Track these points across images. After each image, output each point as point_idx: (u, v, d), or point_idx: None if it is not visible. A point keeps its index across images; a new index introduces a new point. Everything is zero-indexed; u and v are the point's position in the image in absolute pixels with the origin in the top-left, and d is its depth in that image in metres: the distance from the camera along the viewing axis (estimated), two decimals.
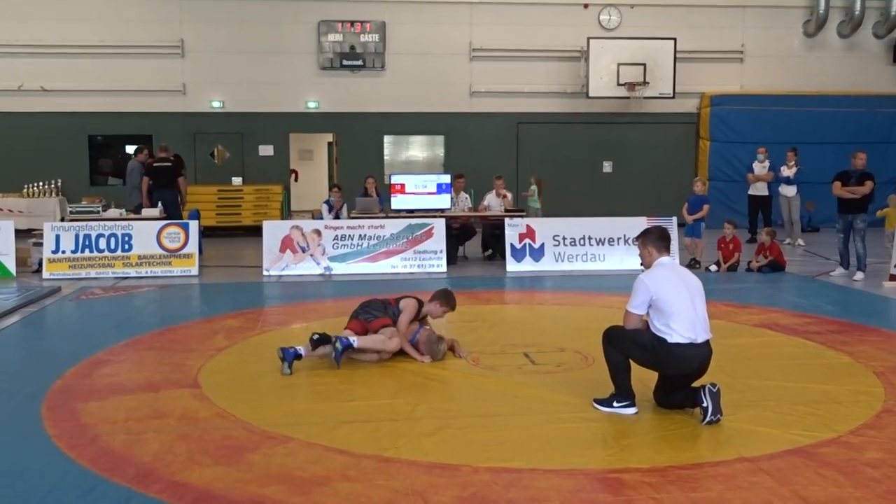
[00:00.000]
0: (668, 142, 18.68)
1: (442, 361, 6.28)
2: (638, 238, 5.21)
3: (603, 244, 11.86)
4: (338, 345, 6.08)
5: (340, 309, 8.31)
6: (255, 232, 12.85)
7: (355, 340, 6.14)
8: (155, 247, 11.25)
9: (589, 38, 17.69)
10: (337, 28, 17.65)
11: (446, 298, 6.52)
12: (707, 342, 4.91)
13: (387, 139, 18.49)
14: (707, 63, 18.51)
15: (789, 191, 14.65)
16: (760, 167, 15.04)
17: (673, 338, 4.81)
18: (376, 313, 6.43)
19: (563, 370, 6.09)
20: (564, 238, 11.85)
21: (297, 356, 6.04)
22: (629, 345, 4.97)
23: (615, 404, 5.02)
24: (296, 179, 20.08)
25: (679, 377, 4.97)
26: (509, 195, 13.21)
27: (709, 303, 5.14)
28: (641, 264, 5.21)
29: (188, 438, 4.60)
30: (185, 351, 6.71)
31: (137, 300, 9.43)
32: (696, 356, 4.87)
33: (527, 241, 11.78)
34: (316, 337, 6.10)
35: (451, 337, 6.63)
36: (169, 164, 13.21)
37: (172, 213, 12.79)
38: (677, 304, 4.81)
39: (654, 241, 5.07)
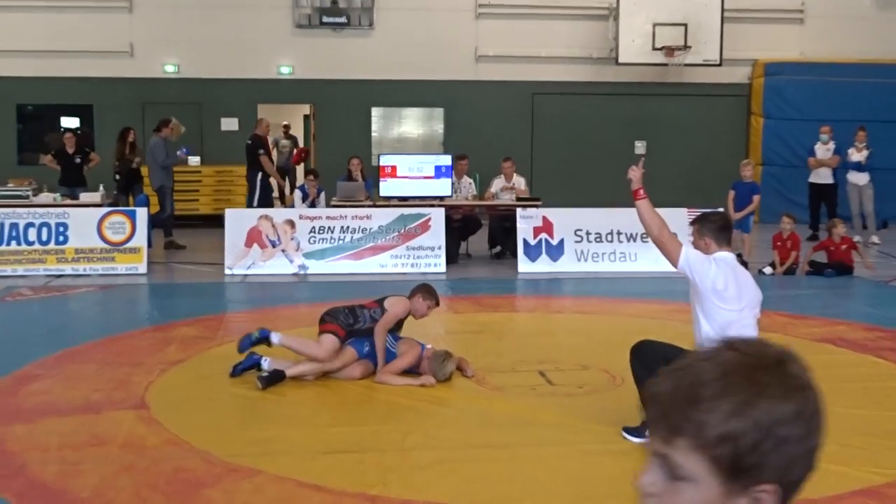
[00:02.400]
0: (714, 118, 18.68)
1: (442, 381, 6.27)
2: (693, 223, 5.14)
3: (634, 241, 11.84)
4: (255, 334, 6.33)
5: (317, 316, 8.29)
6: (216, 222, 12.84)
7: (277, 337, 6.32)
8: (95, 239, 11.25)
9: None
10: None
11: (427, 292, 6.57)
12: None
13: (375, 112, 18.49)
14: (761, 24, 18.51)
15: (860, 178, 14.64)
16: (824, 150, 15.04)
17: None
18: (331, 319, 6.44)
19: (585, 392, 6.11)
20: (588, 233, 11.87)
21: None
22: (662, 362, 4.94)
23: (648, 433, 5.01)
24: (305, 157, 19.88)
25: None
26: (522, 181, 13.20)
27: (762, 312, 5.13)
28: None
29: (134, 470, 4.61)
30: (131, 365, 6.71)
31: (74, 303, 9.47)
32: None
33: (543, 236, 11.80)
34: (265, 375, 6.13)
35: (456, 354, 6.61)
36: (249, 142, 14.16)
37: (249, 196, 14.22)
38: (725, 305, 4.79)
39: (713, 230, 4.97)
